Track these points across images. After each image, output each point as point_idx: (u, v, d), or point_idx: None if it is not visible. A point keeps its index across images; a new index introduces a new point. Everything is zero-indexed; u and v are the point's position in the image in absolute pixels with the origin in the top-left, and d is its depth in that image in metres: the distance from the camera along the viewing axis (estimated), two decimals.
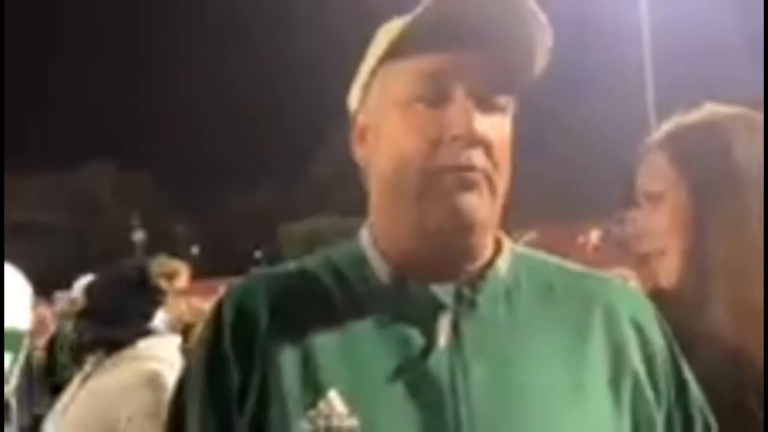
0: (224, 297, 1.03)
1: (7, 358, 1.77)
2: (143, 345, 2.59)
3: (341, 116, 1.12)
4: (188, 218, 59.04)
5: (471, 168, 0.94)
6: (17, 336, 1.81)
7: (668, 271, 1.42)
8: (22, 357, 1.84)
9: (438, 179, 0.94)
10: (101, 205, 58.72)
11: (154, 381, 2.49)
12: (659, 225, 1.44)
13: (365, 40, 1.07)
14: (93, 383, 2.58)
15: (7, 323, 1.76)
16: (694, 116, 1.48)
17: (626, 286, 1.11)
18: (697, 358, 1.10)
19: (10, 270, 1.90)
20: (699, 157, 1.41)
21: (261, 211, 55.17)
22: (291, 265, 1.08)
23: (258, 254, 49.47)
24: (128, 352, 2.59)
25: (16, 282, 1.89)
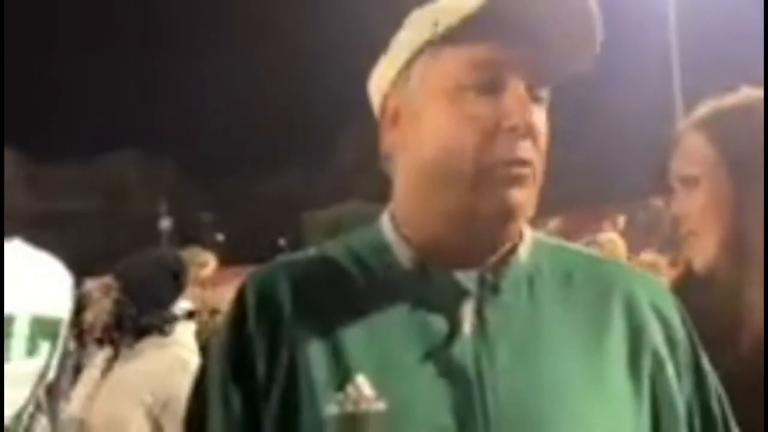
0: (247, 282, 1.03)
1: (45, 347, 1.76)
2: (169, 331, 2.64)
3: (364, 105, 1.11)
4: (214, 206, 59.37)
5: (525, 161, 0.94)
6: (54, 324, 1.79)
7: (703, 255, 1.41)
8: (60, 345, 1.83)
9: (492, 172, 0.94)
10: (128, 193, 59.22)
11: (185, 366, 2.54)
12: (695, 208, 1.42)
13: (391, 30, 1.05)
14: (123, 368, 2.60)
15: (45, 311, 1.75)
16: (731, 99, 1.46)
17: (645, 273, 1.10)
18: (731, 343, 1.09)
19: (48, 258, 1.90)
20: (738, 140, 1.40)
21: (285, 198, 55.33)
22: (312, 252, 1.08)
23: (282, 242, 49.59)
24: (155, 338, 2.62)
25: (55, 270, 1.90)
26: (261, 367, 0.96)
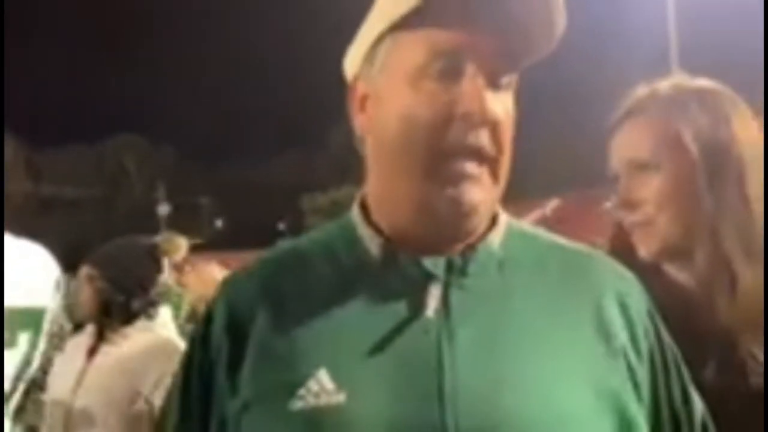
0: (221, 287, 1.06)
1: (24, 338, 1.75)
2: (154, 314, 2.74)
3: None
4: (212, 191, 59.40)
5: (478, 150, 0.94)
6: (35, 314, 1.79)
7: (651, 243, 1.39)
8: (45, 334, 1.82)
9: (444, 164, 0.94)
10: (126, 178, 59.23)
11: (174, 347, 2.64)
12: (648, 195, 1.38)
13: None
14: (112, 352, 2.63)
15: (24, 302, 1.74)
16: (689, 83, 1.42)
17: (616, 265, 1.10)
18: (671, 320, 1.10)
19: (33, 248, 1.90)
20: (701, 123, 1.36)
21: (284, 183, 55.36)
22: (286, 246, 1.10)
23: (281, 226, 49.66)
24: (141, 322, 2.69)
25: (38, 260, 1.89)
26: (222, 374, 0.98)
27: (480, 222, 1.00)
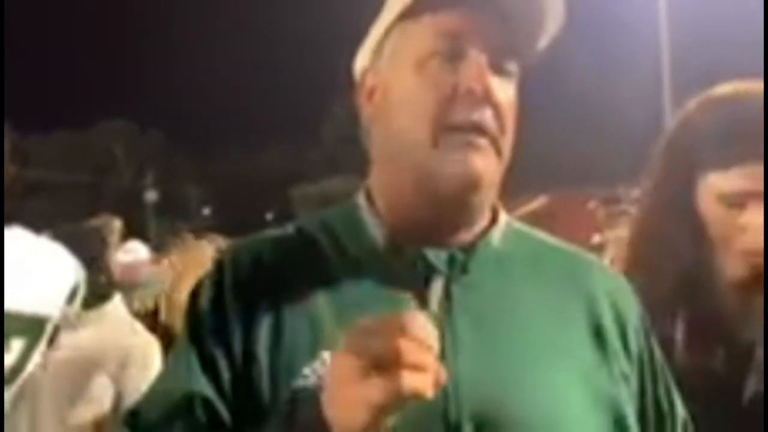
0: (224, 259, 1.05)
1: (18, 345, 1.62)
2: (109, 297, 2.78)
3: (354, 78, 1.12)
4: (200, 179, 59.14)
5: (481, 127, 0.96)
6: (34, 322, 1.66)
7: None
8: (42, 345, 1.69)
9: (449, 136, 0.96)
10: (115, 164, 58.84)
11: (134, 328, 2.75)
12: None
13: (379, 3, 1.07)
14: (72, 336, 2.60)
15: (22, 308, 1.62)
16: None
17: (606, 265, 1.13)
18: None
19: (50, 249, 1.78)
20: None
21: (273, 172, 55.18)
22: (290, 228, 1.10)
23: (269, 216, 49.55)
24: (98, 305, 2.69)
25: (52, 263, 1.76)
26: (238, 345, 0.97)
27: (484, 200, 1.02)
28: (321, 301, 0.98)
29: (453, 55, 0.97)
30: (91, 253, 2.71)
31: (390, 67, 1.03)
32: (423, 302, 0.97)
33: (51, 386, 2.50)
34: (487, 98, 0.96)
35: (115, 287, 2.86)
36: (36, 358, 1.70)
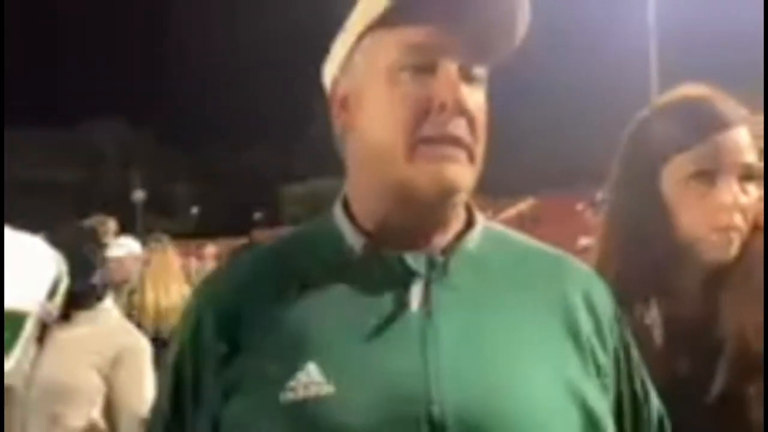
0: (199, 300, 1.07)
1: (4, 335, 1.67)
2: (101, 297, 2.76)
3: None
4: (188, 178, 59.08)
5: (455, 139, 0.98)
6: (16, 317, 1.70)
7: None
8: (21, 341, 1.71)
9: (425, 148, 0.97)
10: (103, 163, 58.64)
11: (124, 326, 2.73)
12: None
13: None
14: (62, 335, 2.59)
15: (6, 302, 1.66)
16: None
17: (581, 263, 1.14)
18: None
19: (33, 244, 1.81)
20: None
21: (261, 172, 55.13)
22: (261, 248, 1.14)
23: (258, 215, 49.49)
24: (88, 306, 2.69)
25: (35, 259, 1.79)
26: (211, 376, 1.00)
27: (458, 206, 1.03)
28: (302, 314, 0.99)
29: (424, 68, 0.98)
30: (86, 254, 2.72)
31: (362, 77, 1.03)
32: (403, 304, 0.98)
33: (42, 384, 2.50)
34: (460, 110, 0.97)
35: (109, 287, 2.84)
36: (17, 353, 1.69)
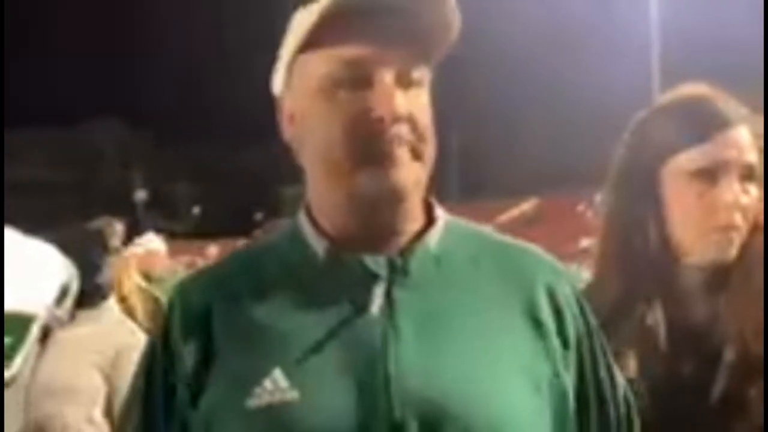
0: (173, 297, 1.09)
1: (7, 341, 1.65)
2: (105, 297, 2.76)
3: None
4: (190, 178, 59.09)
5: (398, 142, 0.99)
6: (22, 320, 1.68)
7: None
8: (28, 344, 1.68)
9: (369, 155, 0.99)
10: (104, 163, 58.65)
11: (125, 326, 2.75)
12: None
13: None
14: (63, 335, 2.60)
15: (12, 305, 1.64)
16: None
17: (548, 259, 1.14)
18: None
19: (42, 250, 1.79)
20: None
21: (263, 172, 55.11)
22: (237, 251, 1.17)
23: (259, 215, 49.50)
24: (91, 305, 2.69)
25: (44, 263, 1.77)
26: (182, 380, 1.02)
27: (411, 205, 1.04)
28: (269, 319, 1.02)
29: (360, 82, 0.99)
30: (91, 256, 2.73)
31: (301, 95, 1.05)
32: (364, 307, 0.99)
33: (43, 383, 2.50)
34: (398, 119, 0.98)
35: (113, 290, 2.86)
36: (22, 356, 1.70)
